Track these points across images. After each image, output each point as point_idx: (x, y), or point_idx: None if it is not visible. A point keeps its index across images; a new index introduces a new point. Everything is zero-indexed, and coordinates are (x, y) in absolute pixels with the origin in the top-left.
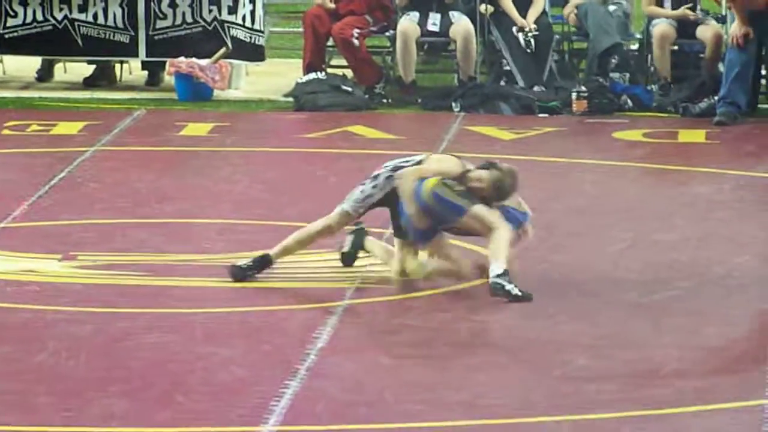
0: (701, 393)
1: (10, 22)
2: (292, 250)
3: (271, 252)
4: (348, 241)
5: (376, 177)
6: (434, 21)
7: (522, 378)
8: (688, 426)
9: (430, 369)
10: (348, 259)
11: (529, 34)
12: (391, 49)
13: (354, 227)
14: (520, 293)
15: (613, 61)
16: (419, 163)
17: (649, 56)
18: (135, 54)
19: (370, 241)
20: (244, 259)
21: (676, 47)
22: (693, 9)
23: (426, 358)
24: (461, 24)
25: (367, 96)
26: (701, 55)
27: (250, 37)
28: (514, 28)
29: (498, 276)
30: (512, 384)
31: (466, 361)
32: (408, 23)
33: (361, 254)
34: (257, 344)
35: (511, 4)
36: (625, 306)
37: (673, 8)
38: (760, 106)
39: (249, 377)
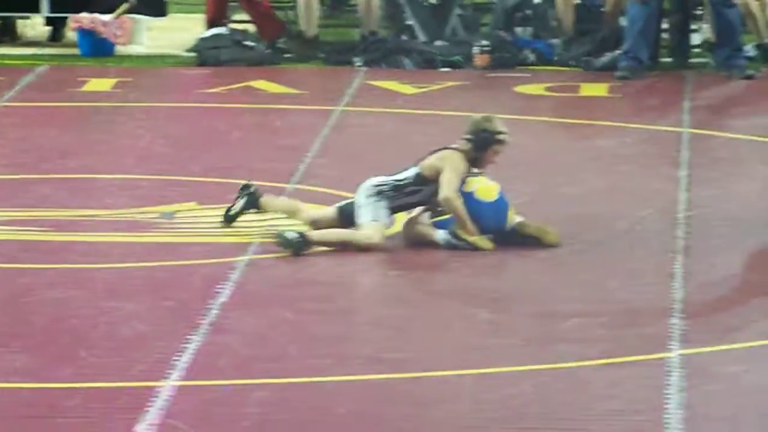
0: (604, 347)
1: None
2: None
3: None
4: (238, 204)
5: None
6: None
7: (425, 332)
8: (591, 379)
9: (334, 324)
10: (230, 219)
11: None
12: (293, 4)
13: (245, 191)
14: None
15: (521, 14)
16: (422, 176)
17: (553, 10)
18: (37, 10)
19: (265, 200)
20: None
21: (579, 1)
22: None
23: (329, 313)
24: None
25: (269, 51)
26: (603, 9)
27: None
28: None
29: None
30: (415, 338)
31: (369, 316)
32: None
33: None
34: (160, 299)
35: None
36: (528, 260)
37: None
38: (660, 59)
39: (151, 332)
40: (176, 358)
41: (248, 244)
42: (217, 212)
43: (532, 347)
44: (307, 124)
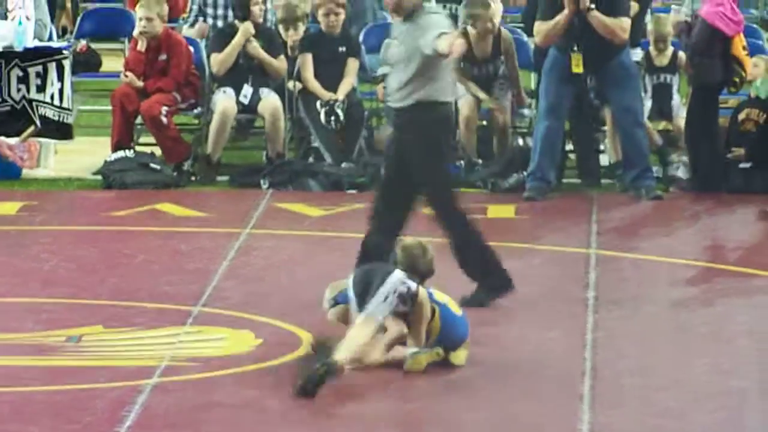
0: None
1: None
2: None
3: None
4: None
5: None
6: (246, 94)
7: None
8: None
9: None
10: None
11: (337, 106)
12: (198, 127)
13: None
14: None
15: None
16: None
17: (457, 133)
18: None
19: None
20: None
21: (483, 123)
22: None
23: None
24: (269, 100)
25: (175, 173)
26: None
27: (59, 116)
28: (318, 103)
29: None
30: None
31: None
32: (227, 101)
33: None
34: (65, 423)
35: (316, 82)
36: (435, 383)
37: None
38: (565, 181)
39: None
40: None
41: (155, 367)
42: (123, 335)
43: None
44: (213, 246)
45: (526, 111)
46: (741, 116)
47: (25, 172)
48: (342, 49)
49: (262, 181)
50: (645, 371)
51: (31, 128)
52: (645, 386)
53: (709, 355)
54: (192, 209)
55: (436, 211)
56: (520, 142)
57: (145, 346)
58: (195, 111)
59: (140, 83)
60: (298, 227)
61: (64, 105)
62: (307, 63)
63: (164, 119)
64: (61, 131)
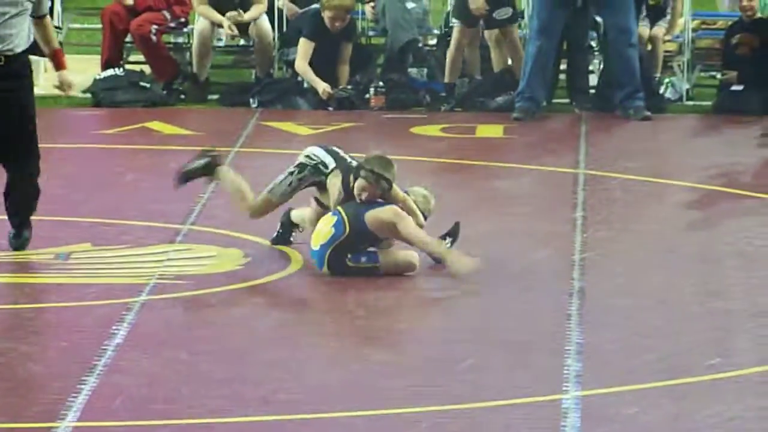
0: (499, 388)
1: None
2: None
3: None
4: (196, 163)
5: (302, 167)
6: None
7: (319, 373)
8: (486, 421)
9: (228, 364)
10: (183, 178)
11: (337, 93)
12: (188, 45)
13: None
14: None
15: (410, 57)
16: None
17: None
18: None
19: (222, 170)
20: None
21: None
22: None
23: (223, 354)
24: (259, 22)
25: (164, 92)
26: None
27: None
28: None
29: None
30: (309, 379)
31: (263, 357)
32: (204, 23)
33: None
34: (54, 340)
35: (311, 72)
36: (422, 301)
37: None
38: (555, 101)
39: (46, 373)
40: (71, 399)
41: (143, 284)
42: (112, 253)
43: (427, 388)
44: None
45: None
46: (734, 40)
47: None
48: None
49: (251, 100)
50: (633, 291)
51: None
52: (633, 306)
53: (697, 276)
54: (181, 127)
55: None
56: (510, 61)
57: (134, 263)
58: (184, 30)
59: (130, 1)
60: (287, 146)
61: (54, 23)
62: (306, 50)
63: (154, 38)
64: None
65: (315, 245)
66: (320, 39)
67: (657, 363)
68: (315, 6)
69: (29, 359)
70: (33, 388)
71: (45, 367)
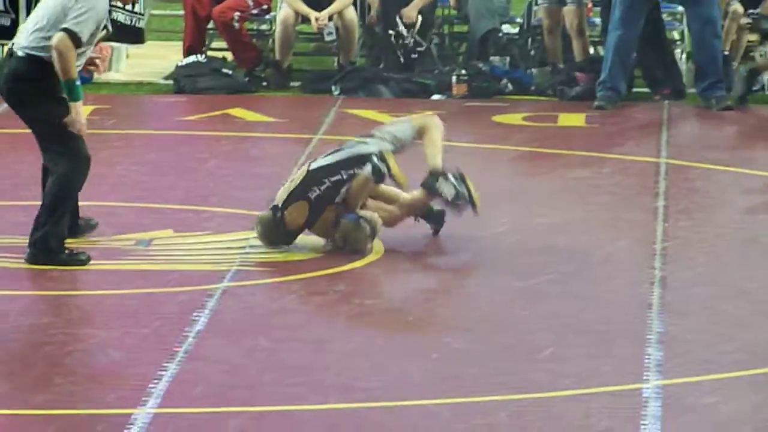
0: (579, 377)
1: None
2: None
3: None
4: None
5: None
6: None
7: (400, 361)
8: (566, 410)
9: (309, 352)
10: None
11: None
12: (270, 32)
13: None
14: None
15: (494, 43)
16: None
17: (529, 40)
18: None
19: None
20: None
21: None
22: None
23: (304, 341)
24: (345, 10)
25: (246, 79)
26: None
27: (131, 20)
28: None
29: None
30: (390, 367)
31: (344, 344)
32: (288, 10)
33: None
34: (135, 327)
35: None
36: (503, 289)
37: None
38: (635, 90)
39: (127, 360)
40: (152, 385)
41: (225, 271)
42: (193, 239)
43: (506, 377)
44: (284, 152)
45: (597, 20)
46: None
47: (97, 76)
48: None
49: (333, 87)
50: (714, 281)
51: (103, 32)
52: (713, 296)
53: None
54: (263, 114)
55: None
56: (591, 50)
57: (215, 250)
58: (267, 17)
59: None
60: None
61: (136, 9)
62: None
63: (236, 24)
64: (133, 35)
65: None
66: None
67: (737, 353)
68: None
69: (110, 346)
70: (113, 375)
71: (125, 353)
